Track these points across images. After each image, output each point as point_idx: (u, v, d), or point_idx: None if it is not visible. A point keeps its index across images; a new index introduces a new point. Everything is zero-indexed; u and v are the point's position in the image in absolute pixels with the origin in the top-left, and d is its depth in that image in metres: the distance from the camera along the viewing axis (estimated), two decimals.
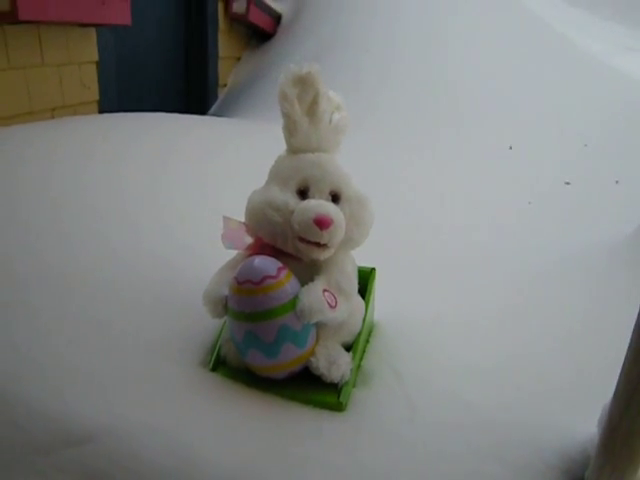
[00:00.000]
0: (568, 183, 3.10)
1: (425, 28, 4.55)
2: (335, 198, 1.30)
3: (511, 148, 3.56)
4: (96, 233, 1.59)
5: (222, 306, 1.23)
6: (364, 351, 1.38)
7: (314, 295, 1.19)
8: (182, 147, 2.32)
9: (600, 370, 1.33)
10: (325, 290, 1.22)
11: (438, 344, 1.45)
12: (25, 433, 1.11)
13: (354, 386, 1.29)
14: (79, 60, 3.14)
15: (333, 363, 1.24)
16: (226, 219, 1.29)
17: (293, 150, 1.34)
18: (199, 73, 4.59)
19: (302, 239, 1.23)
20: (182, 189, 1.95)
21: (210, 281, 1.29)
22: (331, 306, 1.20)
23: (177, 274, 1.50)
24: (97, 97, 3.32)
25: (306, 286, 1.22)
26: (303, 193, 1.29)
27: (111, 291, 1.42)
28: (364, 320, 1.35)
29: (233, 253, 1.34)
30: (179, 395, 1.20)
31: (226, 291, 1.23)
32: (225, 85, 5.00)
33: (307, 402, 1.23)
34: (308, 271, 1.28)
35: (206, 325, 1.37)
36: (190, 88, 4.59)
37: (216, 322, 1.37)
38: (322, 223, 1.20)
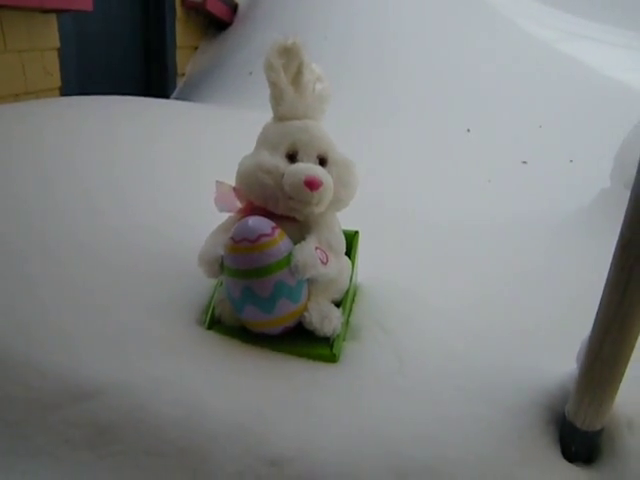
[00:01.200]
0: (525, 162, 3.21)
1: (380, 14, 4.64)
2: (322, 162, 1.36)
3: (469, 131, 3.66)
4: (89, 208, 1.62)
5: (218, 265, 1.28)
6: (351, 309, 1.45)
7: (307, 252, 1.25)
8: (163, 128, 2.35)
9: (567, 319, 1.47)
10: (317, 247, 1.28)
11: (420, 301, 1.52)
12: (35, 391, 1.14)
13: (344, 340, 1.36)
14: (41, 47, 3.12)
15: (325, 317, 1.30)
16: (219, 183, 1.34)
17: (280, 117, 1.40)
18: (158, 61, 4.59)
19: (293, 200, 1.29)
20: (167, 167, 1.98)
21: (204, 243, 1.34)
22: (323, 262, 1.26)
23: (169, 244, 1.55)
24: (59, 84, 3.31)
25: (299, 244, 1.28)
26: (292, 157, 1.35)
27: (107, 261, 1.45)
28: (351, 278, 1.42)
29: (223, 217, 1.39)
30: (180, 351, 1.25)
31: (221, 251, 1.28)
32: (183, 74, 5.00)
33: (302, 355, 1.30)
34: (298, 231, 1.34)
35: (198, 288, 1.43)
36: (149, 76, 4.59)
37: (208, 285, 1.42)
38: (312, 184, 1.26)
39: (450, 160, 3.12)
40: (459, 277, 1.70)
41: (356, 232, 1.53)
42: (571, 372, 1.18)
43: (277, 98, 1.38)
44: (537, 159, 3.26)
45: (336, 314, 1.33)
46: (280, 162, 1.32)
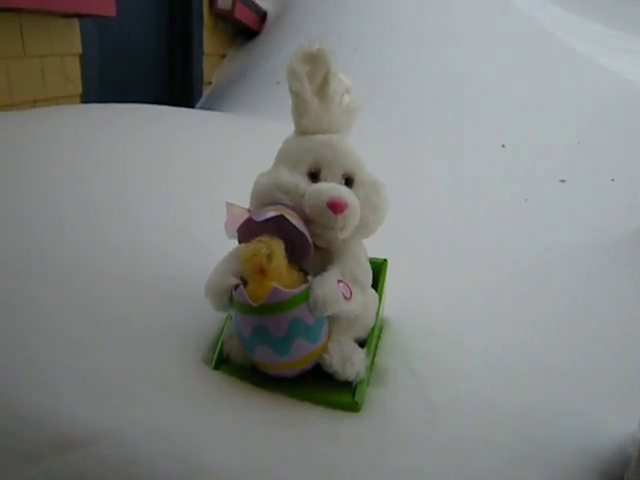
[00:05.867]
0: (563, 181, 3.06)
1: (417, 28, 4.50)
2: (348, 182, 1.21)
3: (504, 146, 3.51)
4: (93, 225, 1.48)
5: (227, 298, 1.13)
6: (377, 347, 1.29)
7: (328, 286, 1.10)
8: (180, 139, 2.22)
9: (615, 362, 1.33)
10: (339, 281, 1.13)
11: (452, 339, 1.37)
12: (14, 439, 0.99)
13: (368, 385, 1.20)
14: (62, 52, 3.02)
15: (347, 360, 1.14)
16: (229, 205, 1.19)
17: (302, 131, 1.25)
18: (184, 69, 4.48)
19: (314, 224, 1.14)
20: (180, 181, 1.85)
21: (213, 271, 1.19)
22: (346, 297, 1.11)
23: (177, 267, 1.40)
24: (80, 91, 3.20)
25: (319, 276, 1.13)
26: (314, 176, 1.20)
27: (108, 284, 1.31)
28: (377, 314, 1.26)
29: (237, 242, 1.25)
30: (181, 395, 1.10)
31: (232, 281, 1.13)
32: (210, 83, 4.90)
33: (320, 402, 1.14)
34: (319, 261, 1.19)
35: (207, 320, 1.28)
36: (174, 84, 4.48)
37: (218, 317, 1.27)
38: (336, 207, 1.11)
39: (485, 178, 2.98)
40: (494, 312, 1.54)
41: (384, 260, 1.38)
42: (632, 434, 1.02)
43: (300, 110, 1.23)
44: (576, 177, 3.10)
45: (360, 355, 1.17)
46: (301, 181, 1.17)
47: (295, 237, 1.13)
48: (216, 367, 1.19)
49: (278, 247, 1.09)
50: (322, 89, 1.24)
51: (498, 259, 1.89)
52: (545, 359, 1.33)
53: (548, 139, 3.65)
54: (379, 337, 1.32)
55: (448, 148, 3.39)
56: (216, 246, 1.28)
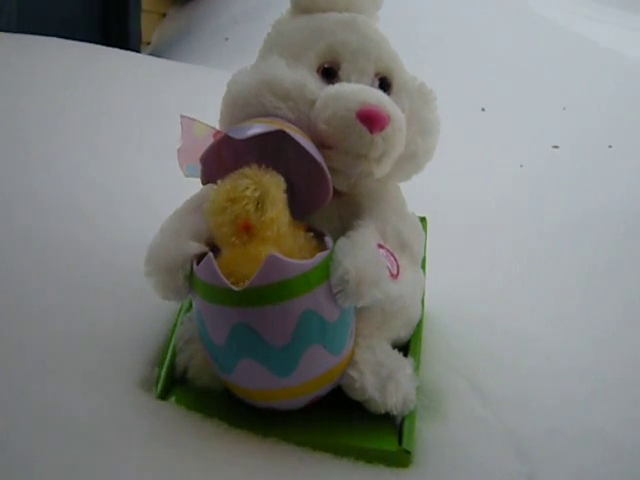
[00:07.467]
0: (556, 147, 2.76)
1: None
2: (384, 85, 0.74)
3: (484, 110, 3.19)
4: None
5: (184, 276, 0.65)
6: (420, 354, 0.82)
7: (364, 254, 0.63)
8: (117, 81, 1.75)
9: None
10: (380, 246, 0.66)
11: (516, 335, 0.91)
12: None
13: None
14: None
15: (388, 379, 0.67)
16: (186, 120, 0.70)
17: (305, 7, 0.77)
18: (119, 26, 4.02)
19: (335, 149, 0.66)
20: (116, 126, 1.37)
21: (159, 234, 0.69)
22: (392, 274, 0.64)
23: (98, 231, 0.92)
24: None
25: (344, 238, 0.65)
26: (330, 73, 0.72)
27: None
28: (423, 302, 0.80)
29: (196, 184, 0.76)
30: (102, 450, 0.61)
31: (192, 249, 0.66)
32: (148, 43, 4.44)
33: (345, 452, 0.66)
34: (335, 214, 0.72)
35: (149, 315, 0.80)
36: (108, 42, 3.96)
37: (168, 309, 0.79)
38: (374, 119, 0.64)
39: (471, 143, 2.62)
40: (555, 299, 1.10)
41: (422, 219, 0.91)
42: None
43: None
44: (568, 143, 2.80)
45: (406, 371, 0.70)
46: (309, 79, 0.69)
47: (301, 170, 0.66)
48: (162, 396, 0.71)
49: (275, 186, 0.62)
50: None
51: (522, 229, 1.49)
52: None
53: (529, 104, 3.35)
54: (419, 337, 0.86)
55: None
56: (160, 200, 0.81)
